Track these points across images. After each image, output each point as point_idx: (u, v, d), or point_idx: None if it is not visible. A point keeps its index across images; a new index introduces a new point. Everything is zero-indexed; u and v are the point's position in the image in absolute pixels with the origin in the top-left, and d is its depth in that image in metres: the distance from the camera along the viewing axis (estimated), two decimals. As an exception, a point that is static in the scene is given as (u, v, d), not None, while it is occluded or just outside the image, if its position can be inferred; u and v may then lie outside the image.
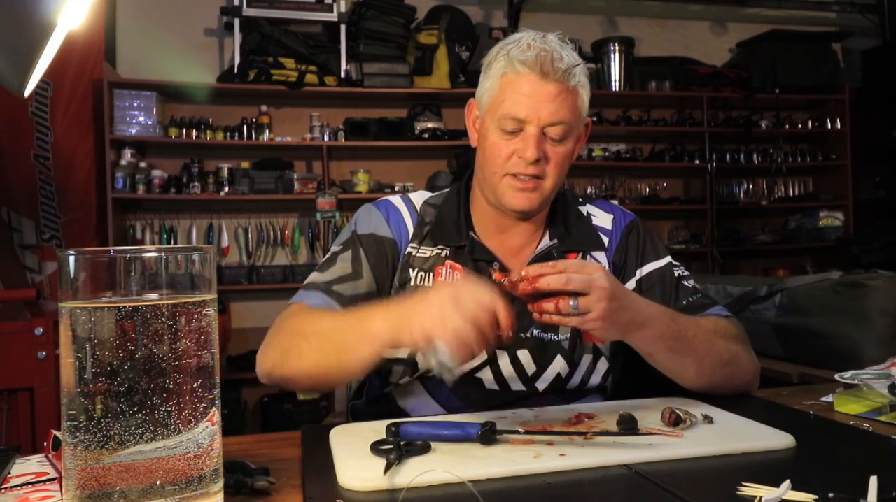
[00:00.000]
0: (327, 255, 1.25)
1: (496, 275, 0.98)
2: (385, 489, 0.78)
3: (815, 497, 0.72)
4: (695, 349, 1.09)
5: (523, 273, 0.95)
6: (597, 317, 0.95)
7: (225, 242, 4.16)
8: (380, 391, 1.26)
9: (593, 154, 4.54)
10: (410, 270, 1.23)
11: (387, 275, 1.22)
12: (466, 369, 1.18)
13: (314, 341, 1.04)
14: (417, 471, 0.78)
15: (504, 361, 1.20)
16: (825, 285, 2.02)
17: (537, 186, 1.17)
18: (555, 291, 0.95)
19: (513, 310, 0.92)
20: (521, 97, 1.13)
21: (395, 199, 1.30)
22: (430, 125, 4.22)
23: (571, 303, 0.94)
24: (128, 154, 3.87)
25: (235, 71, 3.90)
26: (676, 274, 1.27)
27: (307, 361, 1.05)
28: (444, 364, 0.87)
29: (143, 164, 3.90)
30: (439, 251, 1.24)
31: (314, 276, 1.21)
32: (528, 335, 1.20)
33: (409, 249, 1.24)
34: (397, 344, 0.95)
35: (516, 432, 0.93)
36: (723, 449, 0.88)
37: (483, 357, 1.18)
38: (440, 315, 0.88)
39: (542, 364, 1.21)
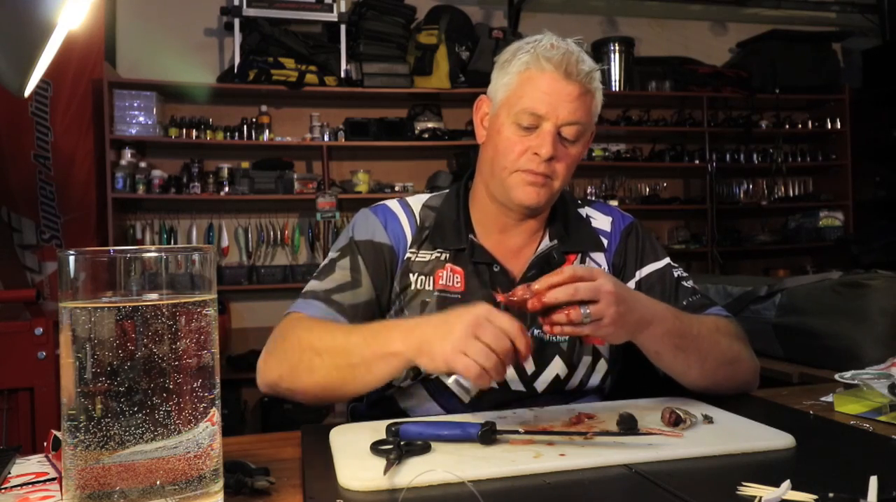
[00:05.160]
0: (325, 262, 1.24)
1: (499, 297, 0.98)
2: (385, 489, 0.78)
3: (815, 497, 0.72)
4: (699, 347, 1.09)
5: (535, 287, 0.94)
6: (609, 323, 0.96)
7: (225, 242, 4.16)
8: (380, 394, 1.26)
9: (593, 154, 4.53)
10: (410, 275, 1.22)
11: (385, 282, 1.22)
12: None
13: (326, 357, 1.04)
14: (417, 471, 0.78)
15: None
16: (825, 285, 2.02)
17: (547, 183, 1.17)
18: (563, 302, 0.95)
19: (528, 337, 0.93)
20: (542, 94, 1.13)
21: (393, 204, 1.29)
22: (430, 125, 4.22)
23: (583, 310, 0.94)
24: (128, 154, 3.87)
25: (235, 71, 3.89)
26: (675, 274, 1.27)
27: (319, 377, 1.04)
28: (462, 386, 0.89)
29: (143, 164, 3.89)
30: (439, 254, 1.23)
31: (313, 285, 1.20)
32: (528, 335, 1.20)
33: (407, 255, 1.23)
34: (415, 364, 0.96)
35: (516, 432, 0.93)
36: (723, 449, 0.88)
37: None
38: (462, 343, 0.90)
39: (541, 364, 1.21)
